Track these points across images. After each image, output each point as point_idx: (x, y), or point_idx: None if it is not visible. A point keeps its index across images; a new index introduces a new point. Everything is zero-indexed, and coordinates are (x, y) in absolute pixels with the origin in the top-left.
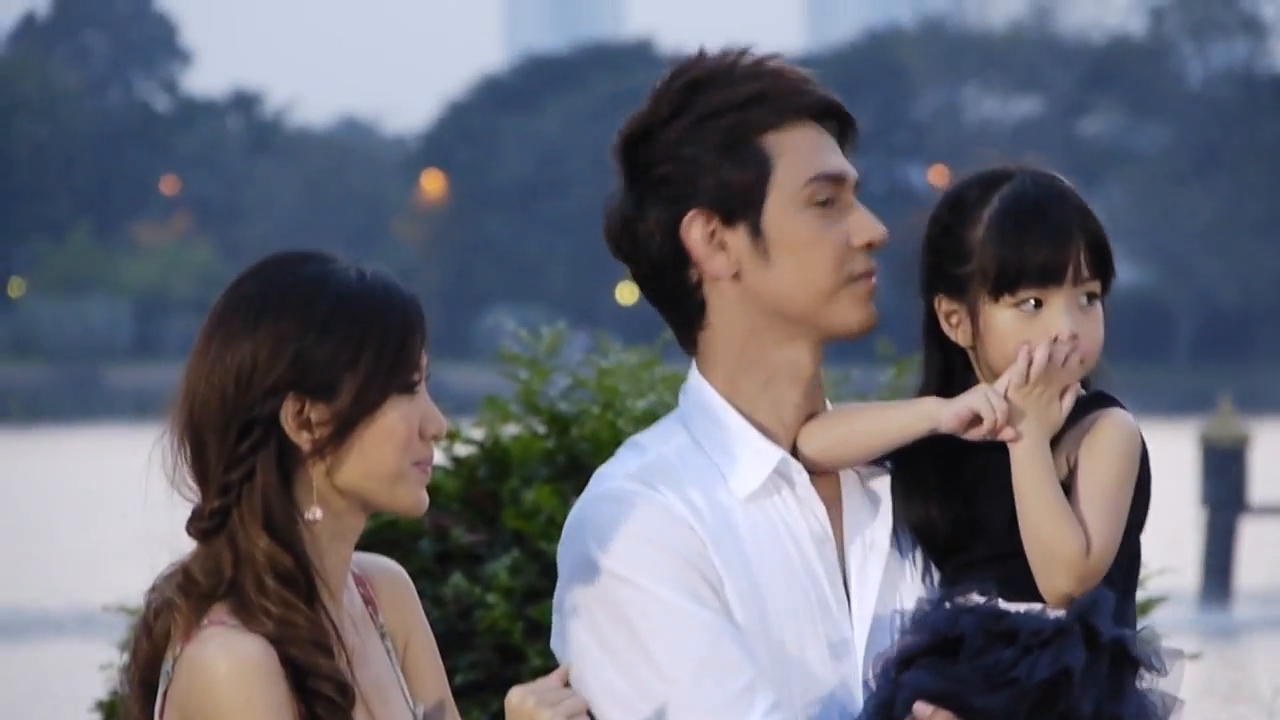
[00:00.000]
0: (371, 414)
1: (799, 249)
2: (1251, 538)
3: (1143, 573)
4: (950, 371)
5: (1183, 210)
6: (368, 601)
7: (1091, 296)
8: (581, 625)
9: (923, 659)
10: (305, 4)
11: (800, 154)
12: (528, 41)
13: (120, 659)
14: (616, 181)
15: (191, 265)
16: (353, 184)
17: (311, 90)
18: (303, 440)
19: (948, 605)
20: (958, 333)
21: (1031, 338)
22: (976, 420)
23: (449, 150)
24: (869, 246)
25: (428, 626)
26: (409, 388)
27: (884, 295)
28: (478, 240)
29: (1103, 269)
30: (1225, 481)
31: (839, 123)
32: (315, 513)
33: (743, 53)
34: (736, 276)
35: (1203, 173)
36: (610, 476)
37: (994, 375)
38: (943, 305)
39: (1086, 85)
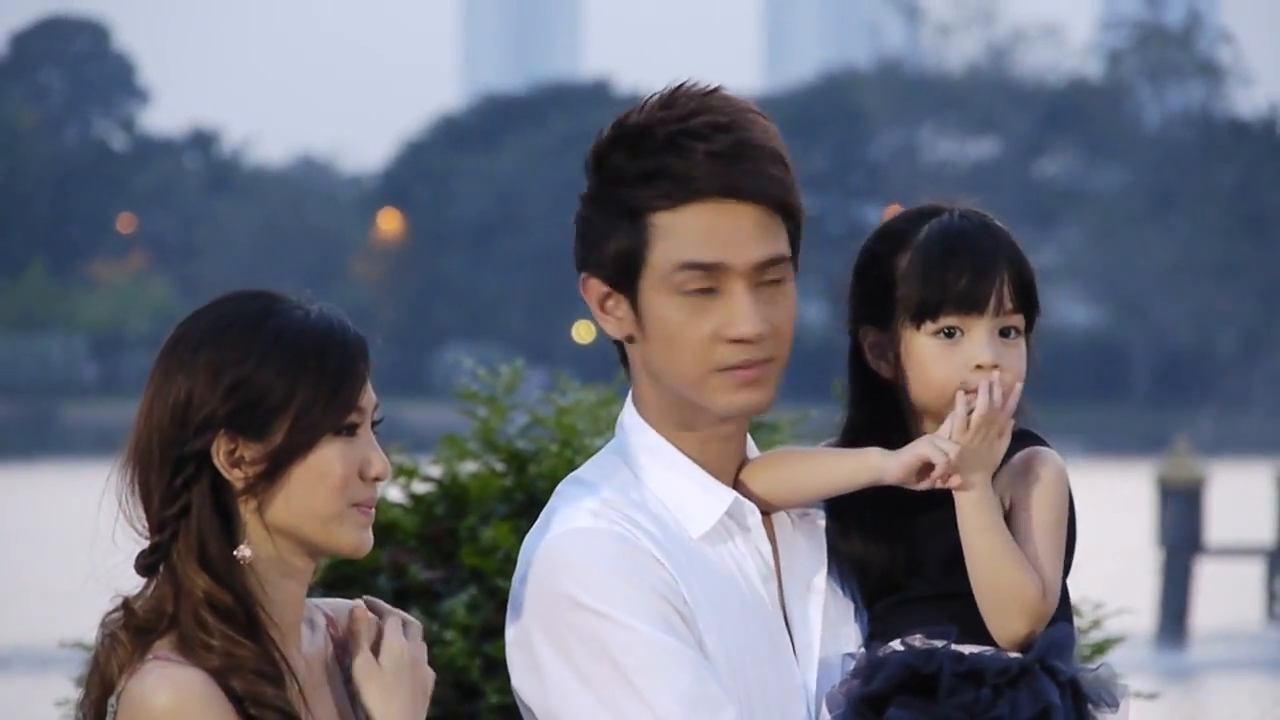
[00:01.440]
0: (304, 454)
1: (665, 335)
2: (1207, 578)
3: (1099, 613)
4: (874, 403)
5: (1139, 252)
6: (339, 644)
7: (1015, 330)
8: (559, 662)
9: (898, 699)
10: (263, 43)
11: (681, 238)
12: (485, 81)
13: (76, 695)
14: (576, 216)
15: (148, 302)
16: (310, 222)
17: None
18: (234, 477)
19: (906, 646)
20: (881, 364)
21: (951, 367)
22: (925, 470)
23: (406, 189)
24: (741, 342)
25: None
26: (347, 429)
27: (842, 334)
28: (435, 279)
29: (1026, 304)
30: (1182, 522)
31: (772, 200)
32: (244, 551)
33: (681, 110)
34: (630, 339)
35: (1159, 214)
36: (571, 515)
37: (918, 408)
38: (868, 337)
39: (1043, 127)
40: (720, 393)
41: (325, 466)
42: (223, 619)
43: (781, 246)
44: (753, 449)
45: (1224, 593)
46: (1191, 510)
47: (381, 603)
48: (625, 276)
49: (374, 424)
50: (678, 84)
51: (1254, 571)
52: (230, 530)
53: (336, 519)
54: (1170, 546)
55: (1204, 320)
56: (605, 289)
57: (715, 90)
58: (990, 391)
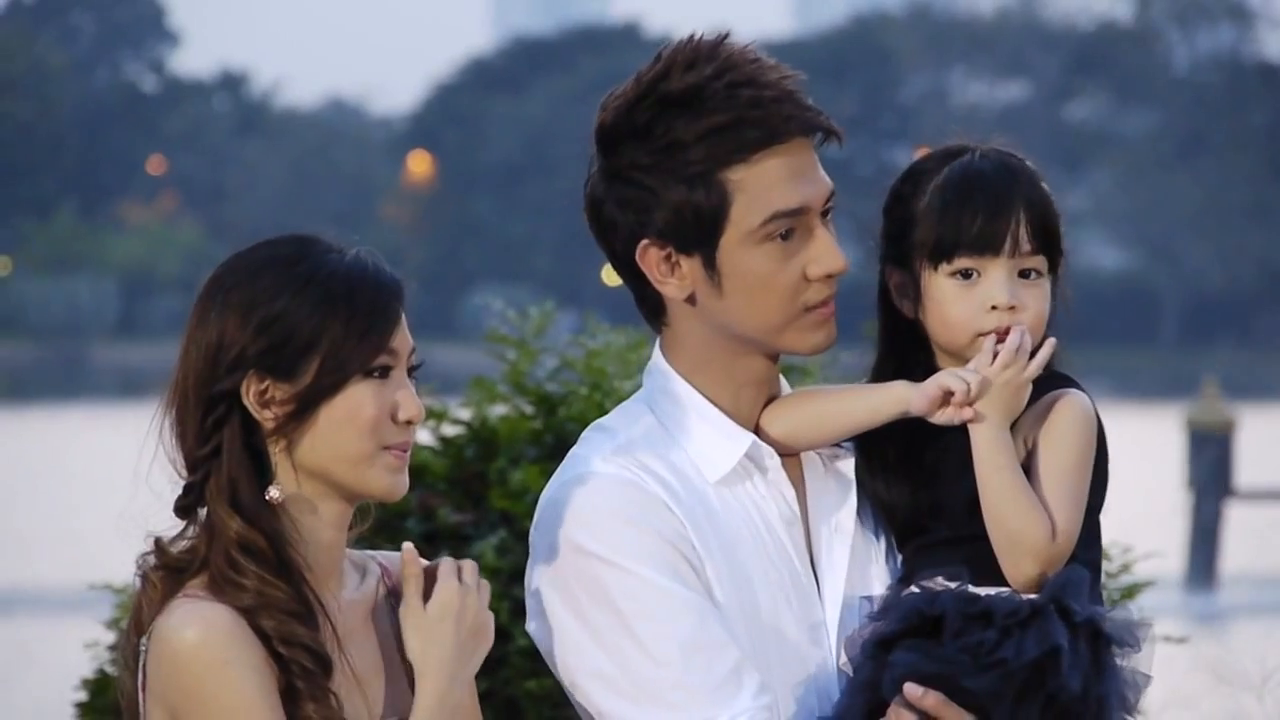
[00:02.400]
0: (333, 395)
1: (752, 285)
2: (1237, 522)
3: (1128, 556)
4: (902, 344)
5: (1169, 195)
6: (394, 593)
7: (1035, 272)
8: (563, 607)
9: (905, 640)
10: None
11: (762, 189)
12: (515, 24)
13: (106, 637)
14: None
15: (178, 245)
16: (339, 165)
17: (298, 71)
18: (264, 418)
19: (921, 588)
20: (905, 304)
21: (969, 308)
22: (946, 398)
23: (436, 131)
24: (828, 278)
25: None
26: (378, 371)
27: (872, 277)
28: (464, 221)
29: (1048, 246)
30: (1210, 465)
31: (822, 131)
32: (274, 492)
33: (722, 64)
34: (690, 299)
35: (1189, 158)
36: (585, 459)
37: (940, 348)
38: (893, 276)
39: (1073, 70)
40: (808, 331)
41: (354, 408)
42: (254, 559)
43: (829, 179)
44: (786, 391)
45: (1253, 536)
46: (1220, 453)
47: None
48: (701, 236)
49: (412, 369)
50: (687, 39)
51: None
52: (262, 471)
53: (367, 461)
54: (1199, 489)
55: (1233, 263)
56: (666, 252)
57: (726, 39)
58: (1021, 337)
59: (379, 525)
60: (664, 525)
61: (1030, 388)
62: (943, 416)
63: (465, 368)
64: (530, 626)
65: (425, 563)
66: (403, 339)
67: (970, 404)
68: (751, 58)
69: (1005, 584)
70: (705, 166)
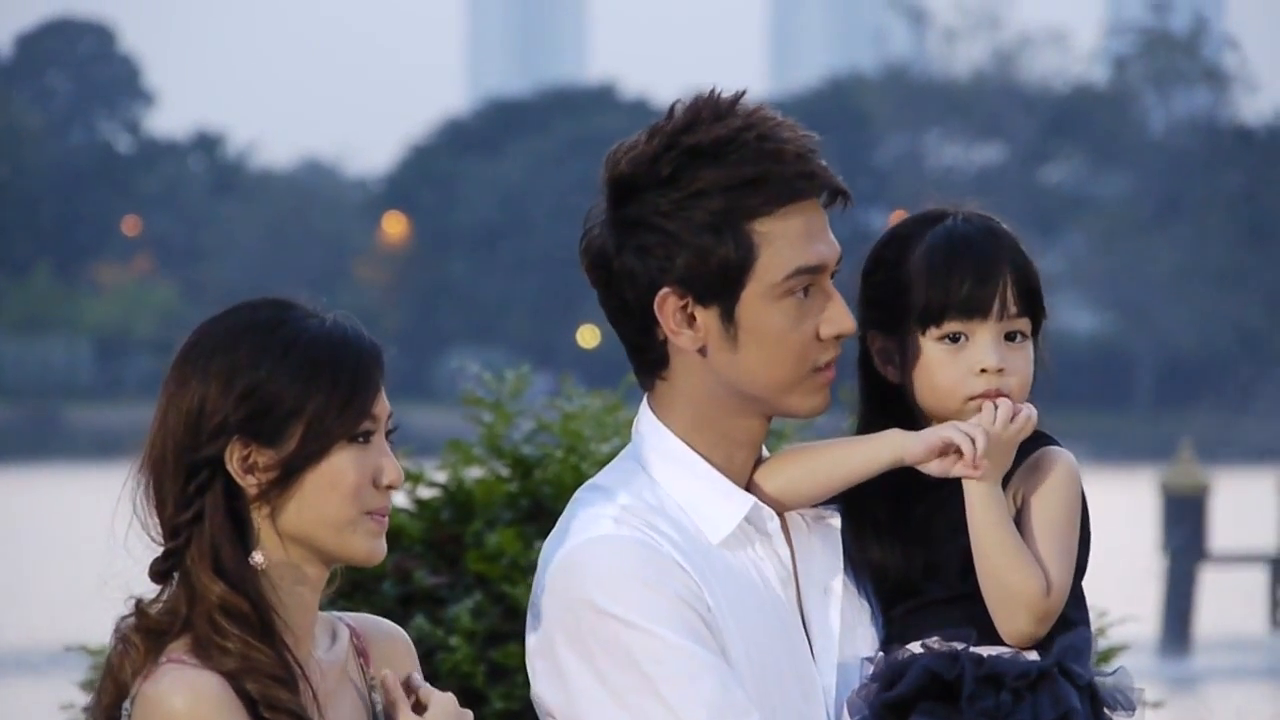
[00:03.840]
0: (318, 461)
1: (767, 340)
2: (1211, 586)
3: (1103, 620)
4: (885, 408)
5: (1144, 258)
6: (360, 654)
7: (1020, 335)
8: (583, 670)
9: (921, 704)
10: (268, 46)
11: (787, 244)
12: (490, 85)
13: (81, 699)
14: (579, 223)
15: (153, 305)
16: (315, 225)
17: (274, 131)
18: (248, 484)
19: (927, 649)
20: (889, 369)
21: (957, 371)
22: (946, 450)
23: (411, 192)
24: (837, 339)
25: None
26: (360, 436)
27: (848, 340)
28: (439, 282)
29: (1031, 308)
30: (1185, 529)
31: (831, 191)
32: (257, 557)
33: (748, 118)
34: (702, 351)
35: (1164, 221)
36: (594, 522)
37: (925, 412)
38: (875, 341)
39: (1049, 133)
40: (812, 394)
41: (338, 474)
42: (237, 623)
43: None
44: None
45: (1228, 600)
46: (1195, 517)
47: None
48: (722, 288)
49: (389, 433)
50: (708, 94)
51: (1258, 578)
52: (244, 536)
53: (350, 526)
54: (1174, 553)
55: (1208, 327)
56: (684, 301)
57: (743, 96)
58: (1013, 411)
59: (354, 587)
60: (680, 586)
61: (1016, 448)
62: (939, 468)
63: (440, 430)
64: (539, 690)
65: (400, 679)
66: (382, 404)
67: (975, 462)
68: (772, 115)
69: (1000, 643)
70: (732, 217)
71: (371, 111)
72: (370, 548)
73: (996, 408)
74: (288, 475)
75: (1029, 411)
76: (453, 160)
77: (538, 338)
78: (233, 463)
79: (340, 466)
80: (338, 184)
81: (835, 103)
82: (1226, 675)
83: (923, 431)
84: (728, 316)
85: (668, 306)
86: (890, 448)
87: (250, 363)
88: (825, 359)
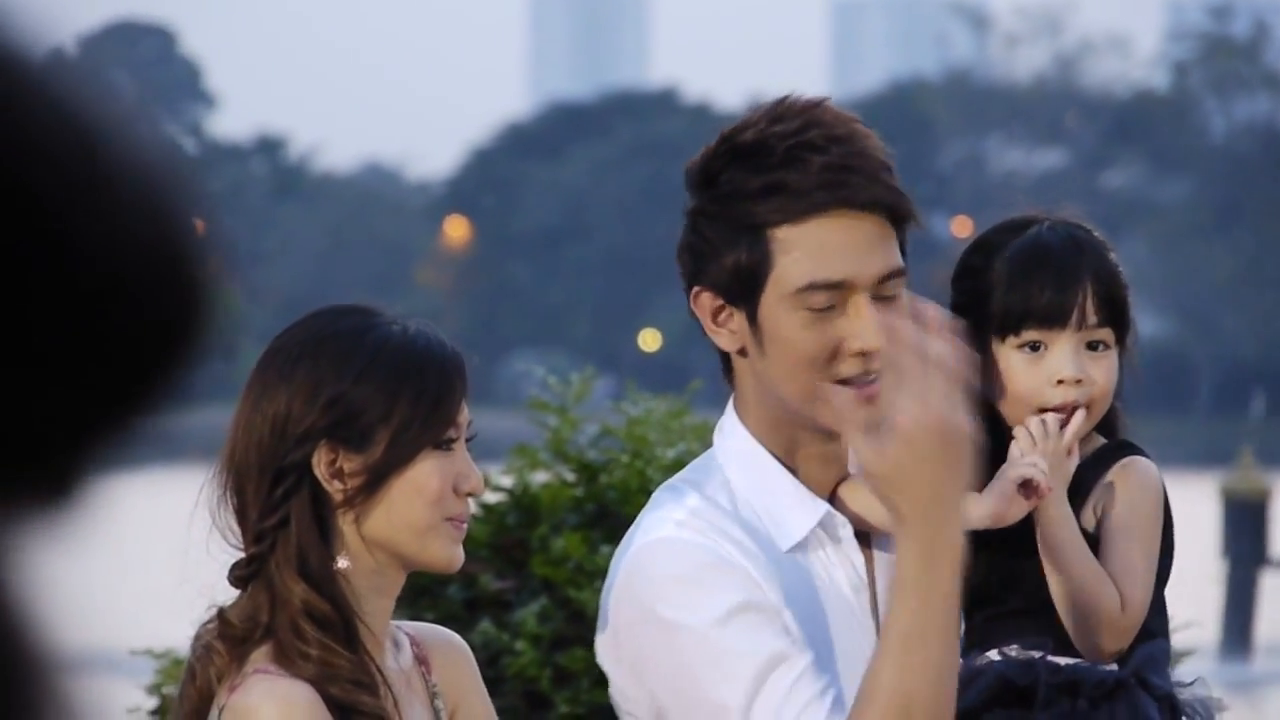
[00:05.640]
0: (403, 467)
1: (785, 349)
2: (1273, 590)
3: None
4: (975, 419)
5: (1204, 263)
6: (421, 661)
7: (1103, 345)
8: (653, 678)
9: (995, 710)
10: (330, 49)
11: (805, 254)
12: (552, 89)
13: (147, 703)
14: (650, 222)
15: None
16: (377, 229)
17: (336, 135)
18: (334, 489)
19: (1004, 656)
20: (973, 376)
21: (1035, 380)
22: (1025, 490)
23: (473, 196)
24: (863, 354)
25: (486, 695)
26: (444, 443)
27: None
28: (501, 286)
29: (1115, 318)
30: (1246, 534)
31: (889, 210)
32: (342, 562)
33: (799, 123)
34: (742, 353)
35: (1224, 226)
36: (659, 524)
37: (1008, 420)
38: None
39: (1110, 138)
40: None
41: (423, 480)
42: (321, 629)
43: (898, 258)
44: (854, 465)
45: None
46: (1256, 522)
47: None
48: (744, 291)
49: (468, 439)
50: (783, 97)
51: None
52: (329, 541)
53: (432, 532)
54: (1234, 558)
55: (1268, 331)
56: (719, 302)
57: (822, 103)
58: (1046, 419)
59: (420, 592)
60: (739, 585)
61: (1076, 457)
62: (1020, 510)
63: (502, 433)
64: (616, 690)
65: None
66: (464, 412)
67: (1047, 487)
68: (839, 124)
69: (1076, 654)
70: (756, 221)
71: (434, 115)
72: (450, 553)
73: (1040, 425)
74: (374, 481)
75: (1079, 416)
76: (514, 164)
77: (600, 342)
78: (320, 468)
79: (425, 473)
80: (399, 188)
81: (897, 107)
82: None
83: (990, 489)
84: (753, 320)
85: (702, 304)
86: (977, 520)
87: (336, 369)
88: (851, 373)
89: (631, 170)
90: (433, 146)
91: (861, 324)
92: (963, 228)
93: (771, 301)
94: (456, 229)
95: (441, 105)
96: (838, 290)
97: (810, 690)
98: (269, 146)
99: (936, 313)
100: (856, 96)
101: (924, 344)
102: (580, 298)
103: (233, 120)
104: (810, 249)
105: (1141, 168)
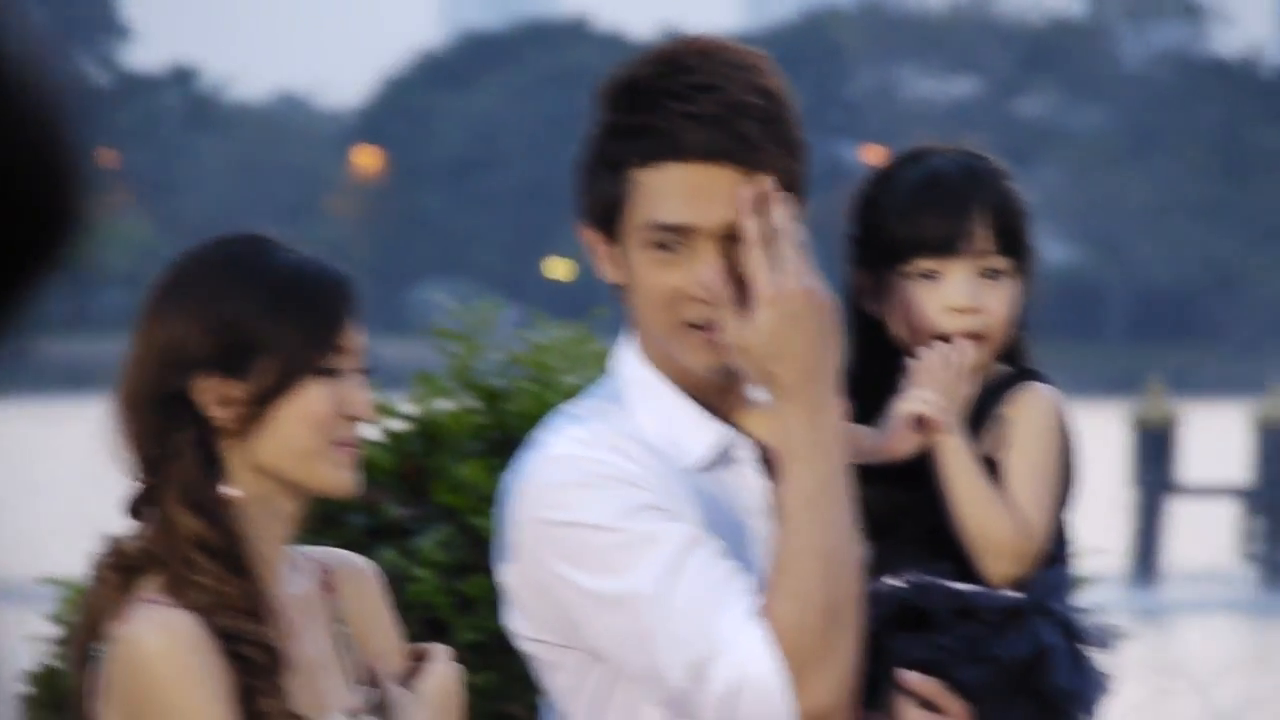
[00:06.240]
0: (287, 394)
1: (640, 284)
2: (1180, 518)
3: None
4: (873, 344)
5: (1118, 192)
6: (326, 587)
7: (999, 272)
8: (563, 586)
9: (895, 634)
10: None
11: (655, 197)
12: (464, 19)
13: (49, 631)
14: (553, 156)
15: (127, 239)
16: (288, 159)
17: (248, 65)
18: (220, 417)
19: (905, 582)
20: (871, 305)
21: (931, 309)
22: (918, 425)
23: (385, 126)
24: (703, 301)
25: (390, 617)
26: (329, 369)
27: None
28: (411, 215)
29: (1011, 246)
30: (1155, 462)
31: (742, 162)
32: (232, 491)
33: (670, 67)
34: (622, 286)
35: (1138, 154)
36: (557, 441)
37: (907, 348)
38: (859, 278)
39: (1024, 66)
40: (692, 350)
41: (307, 406)
42: (212, 558)
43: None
44: (757, 392)
45: (1197, 533)
46: (1164, 449)
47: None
48: (610, 226)
49: (363, 369)
50: (681, 37)
51: (1227, 511)
52: (217, 471)
53: (319, 457)
54: (1143, 486)
55: (1181, 260)
56: (598, 236)
57: (714, 46)
58: (943, 354)
59: (324, 520)
60: (630, 487)
61: (968, 385)
62: (915, 444)
63: (410, 362)
64: (519, 611)
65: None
66: (353, 337)
67: (943, 420)
68: (714, 70)
69: (980, 580)
70: (618, 160)
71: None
72: (339, 478)
73: (935, 356)
74: (259, 408)
75: (962, 347)
76: (425, 93)
77: (508, 270)
78: (204, 397)
79: (309, 399)
80: (311, 117)
81: (810, 36)
82: (1194, 608)
83: (884, 425)
84: (621, 256)
85: (588, 239)
86: (858, 454)
87: (219, 297)
88: (694, 317)
89: (542, 100)
90: (344, 76)
91: (699, 269)
92: (873, 155)
93: (627, 238)
94: (367, 158)
95: (353, 35)
96: (680, 234)
97: (726, 566)
98: (182, 77)
99: (775, 189)
100: (769, 24)
101: (775, 218)
102: (489, 227)
103: (146, 52)
104: (658, 192)
105: (1055, 95)
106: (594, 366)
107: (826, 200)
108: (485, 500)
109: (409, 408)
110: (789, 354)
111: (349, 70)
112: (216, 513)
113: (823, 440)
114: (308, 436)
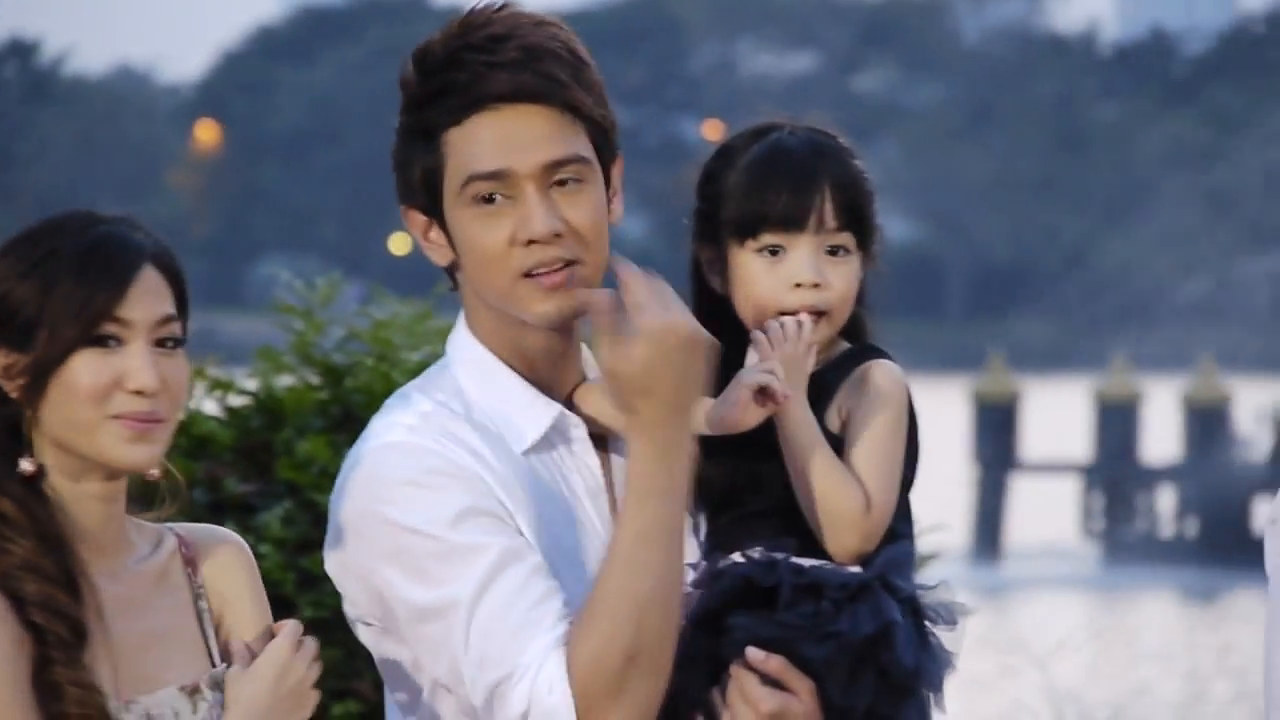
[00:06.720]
0: (58, 365)
1: (471, 250)
2: (1022, 495)
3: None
4: (716, 320)
5: (957, 167)
6: (188, 562)
7: (843, 249)
8: (385, 585)
9: (738, 611)
10: None
11: (468, 151)
12: None
13: None
14: (393, 130)
15: None
16: (127, 133)
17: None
18: (9, 390)
19: (747, 559)
20: (715, 281)
21: (774, 284)
22: (762, 397)
23: (223, 100)
24: (530, 243)
25: (259, 597)
26: (103, 339)
27: (659, 248)
28: (252, 190)
29: (855, 223)
30: (996, 438)
31: (545, 98)
32: (24, 464)
33: (464, 27)
34: (454, 265)
35: (977, 130)
36: (389, 428)
37: (749, 324)
38: (704, 252)
39: (862, 41)
40: (530, 301)
41: (75, 378)
42: (12, 529)
43: (576, 147)
44: (591, 368)
45: (1038, 509)
46: (1006, 426)
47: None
48: (432, 199)
49: (170, 340)
50: (471, 7)
51: (1069, 488)
52: (18, 444)
53: (99, 430)
54: (985, 463)
55: (1020, 236)
56: (423, 218)
57: (504, 7)
58: (783, 322)
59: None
60: (466, 487)
61: (812, 359)
62: (757, 417)
63: (252, 338)
64: (349, 597)
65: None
66: (141, 308)
67: (784, 393)
68: (525, 19)
69: (825, 556)
70: (429, 126)
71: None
72: (123, 452)
73: (779, 329)
74: (36, 379)
75: (803, 320)
76: (264, 67)
77: (349, 245)
78: None
79: (78, 370)
80: (150, 91)
81: (648, 10)
82: (1036, 583)
83: (726, 396)
84: (444, 227)
85: (413, 222)
86: (707, 423)
87: (7, 269)
88: (529, 263)
89: (381, 74)
90: (183, 50)
91: (525, 212)
92: (713, 130)
93: (450, 205)
94: (207, 132)
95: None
96: (498, 181)
97: (541, 587)
98: (20, 51)
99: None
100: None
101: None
102: (330, 201)
103: None
104: (469, 144)
105: (893, 71)
106: (436, 342)
107: (669, 176)
108: (327, 476)
109: (250, 384)
110: (657, 390)
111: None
112: (9, 485)
113: (668, 482)
114: (80, 409)
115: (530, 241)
